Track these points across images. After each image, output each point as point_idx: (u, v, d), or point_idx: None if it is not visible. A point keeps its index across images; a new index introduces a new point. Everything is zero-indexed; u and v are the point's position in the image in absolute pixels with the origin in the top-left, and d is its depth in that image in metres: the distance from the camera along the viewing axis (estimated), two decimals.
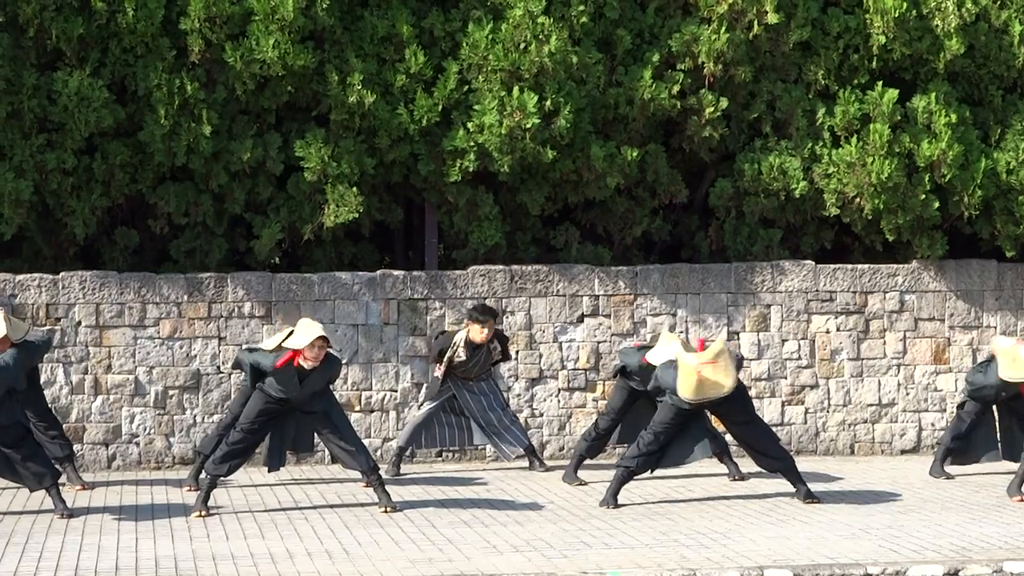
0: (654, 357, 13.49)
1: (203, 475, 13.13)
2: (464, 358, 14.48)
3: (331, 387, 13.17)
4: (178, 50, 15.29)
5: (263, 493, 13.56)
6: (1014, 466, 13.88)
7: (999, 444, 14.14)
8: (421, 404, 14.96)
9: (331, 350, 12.81)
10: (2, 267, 15.20)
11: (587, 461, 14.34)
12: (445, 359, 14.53)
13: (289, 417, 12.81)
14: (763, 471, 13.34)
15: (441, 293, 15.48)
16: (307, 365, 12.50)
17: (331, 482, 14.07)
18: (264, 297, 15.34)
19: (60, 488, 12.63)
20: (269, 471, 13.35)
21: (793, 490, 12.99)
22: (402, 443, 14.76)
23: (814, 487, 13.21)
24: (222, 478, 12.79)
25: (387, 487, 12.88)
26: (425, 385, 15.21)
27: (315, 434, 12.99)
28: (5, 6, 15.00)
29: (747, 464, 13.76)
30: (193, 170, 15.47)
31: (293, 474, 14.55)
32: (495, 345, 14.59)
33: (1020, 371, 13.34)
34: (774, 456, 12.94)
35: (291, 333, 12.77)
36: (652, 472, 13.15)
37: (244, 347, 14.00)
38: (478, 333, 14.39)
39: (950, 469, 14.38)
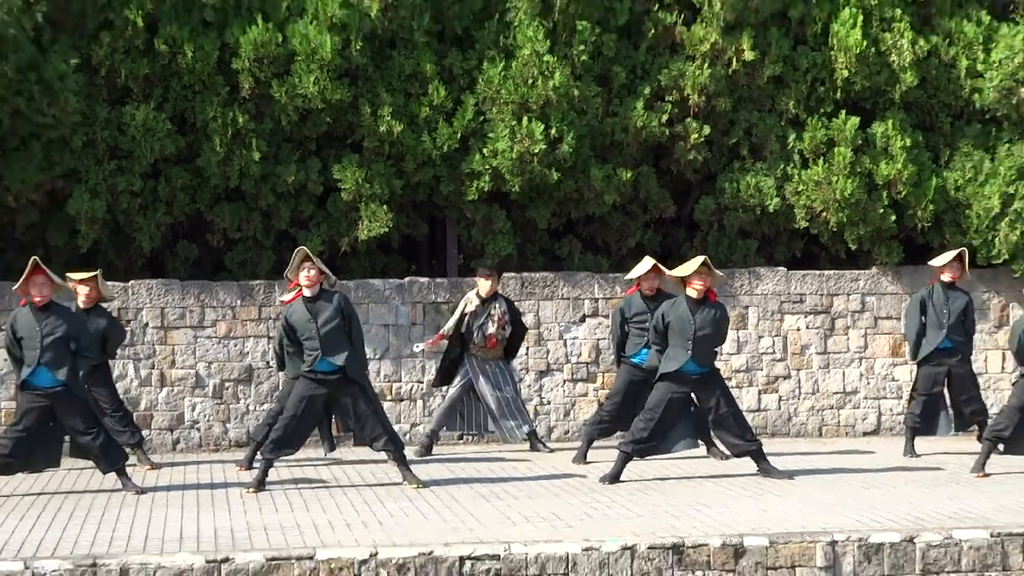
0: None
1: (258, 457, 13.18)
2: (475, 308, 14.37)
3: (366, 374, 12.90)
4: (231, 87, 15.38)
5: (307, 471, 13.61)
6: (963, 444, 13.99)
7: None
8: (444, 391, 14.95)
9: (328, 287, 12.51)
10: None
11: (596, 444, 14.21)
12: (457, 313, 14.45)
13: (332, 402, 12.69)
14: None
15: (461, 297, 15.51)
16: (307, 292, 12.27)
17: (367, 463, 14.08)
18: None
19: (128, 470, 12.69)
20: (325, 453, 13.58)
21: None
22: (434, 427, 14.77)
23: (787, 465, 13.23)
24: (276, 461, 12.81)
25: (414, 466, 12.87)
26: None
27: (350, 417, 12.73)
28: (81, 50, 15.09)
29: None
30: (245, 191, 15.56)
31: (332, 454, 14.60)
32: (499, 307, 14.45)
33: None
34: (748, 440, 12.90)
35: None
36: (645, 457, 13.06)
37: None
38: (484, 285, 14.35)
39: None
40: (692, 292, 12.60)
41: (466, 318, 14.46)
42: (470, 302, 14.49)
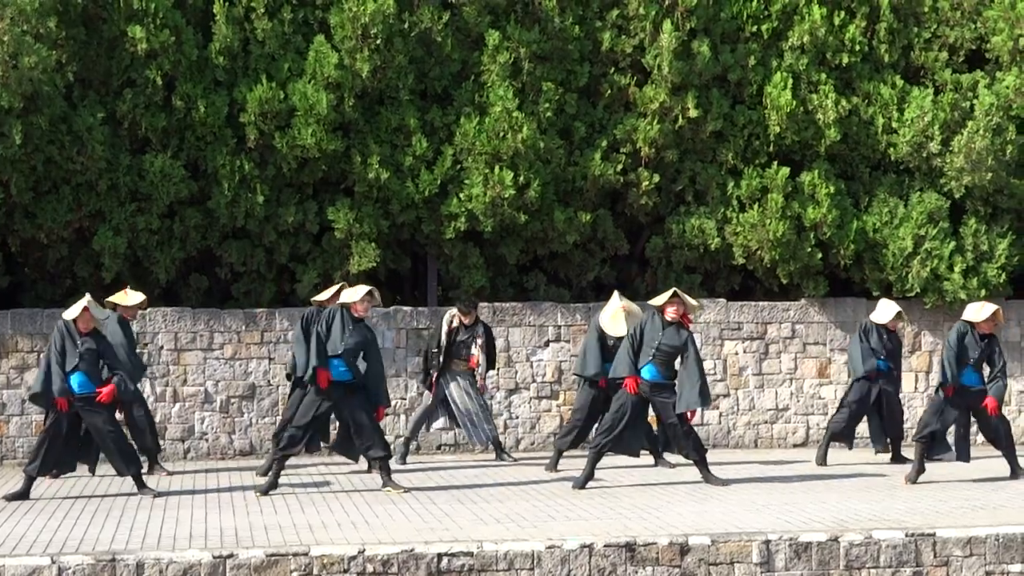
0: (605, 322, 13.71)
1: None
2: (457, 326, 14.28)
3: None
4: (238, 138, 15.35)
5: (303, 476, 13.55)
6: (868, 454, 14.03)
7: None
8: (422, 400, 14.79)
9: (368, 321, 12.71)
10: (104, 304, 15.16)
11: (565, 454, 14.07)
12: (444, 327, 14.28)
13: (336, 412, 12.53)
14: (686, 463, 13.32)
15: (440, 324, 15.42)
16: (357, 314, 12.41)
17: (359, 472, 14.00)
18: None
19: (143, 476, 12.58)
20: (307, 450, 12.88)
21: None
22: (408, 435, 14.67)
23: (726, 474, 13.21)
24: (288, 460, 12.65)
25: (395, 473, 12.77)
26: (425, 392, 14.94)
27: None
28: (107, 105, 15.07)
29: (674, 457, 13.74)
30: (250, 230, 15.50)
31: (326, 462, 14.53)
32: (480, 332, 14.32)
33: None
34: (693, 449, 12.83)
35: (340, 290, 13.13)
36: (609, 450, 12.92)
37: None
38: (464, 316, 14.27)
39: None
40: (668, 316, 12.75)
41: (452, 334, 14.36)
42: (454, 319, 14.39)
